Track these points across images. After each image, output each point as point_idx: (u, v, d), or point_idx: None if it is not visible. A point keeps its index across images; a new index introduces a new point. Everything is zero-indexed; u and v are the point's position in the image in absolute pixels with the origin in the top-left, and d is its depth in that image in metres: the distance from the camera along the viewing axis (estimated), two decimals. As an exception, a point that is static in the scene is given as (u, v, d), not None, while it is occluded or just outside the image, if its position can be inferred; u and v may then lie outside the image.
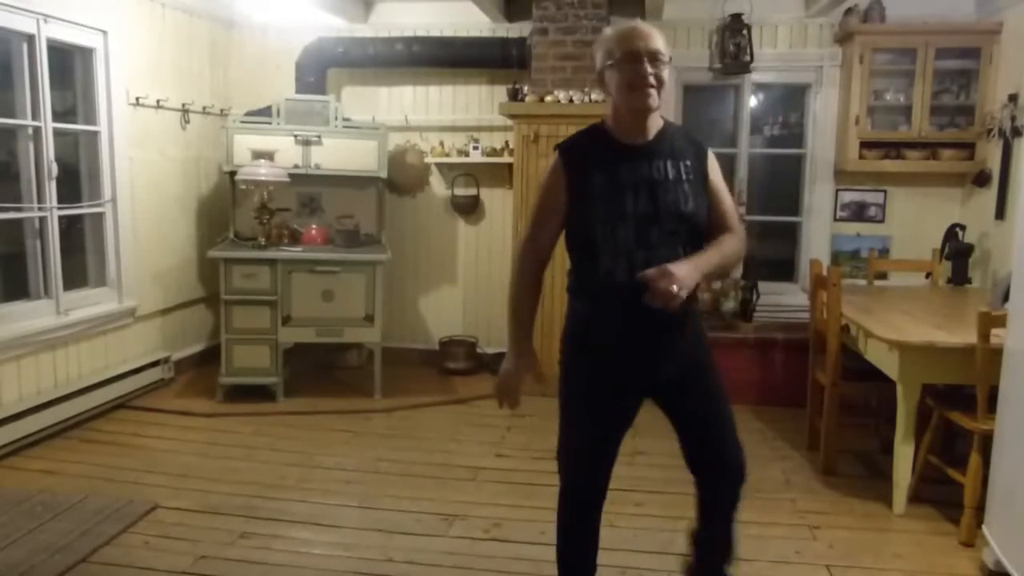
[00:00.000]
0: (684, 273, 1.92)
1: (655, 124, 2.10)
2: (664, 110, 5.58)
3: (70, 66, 4.23)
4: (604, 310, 2.08)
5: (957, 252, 4.55)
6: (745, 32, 4.86)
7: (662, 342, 2.08)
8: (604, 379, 2.11)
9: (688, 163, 2.08)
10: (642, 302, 1.94)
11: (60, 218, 4.03)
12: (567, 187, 2.08)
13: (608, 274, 2.03)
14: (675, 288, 1.88)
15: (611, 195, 2.04)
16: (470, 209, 5.38)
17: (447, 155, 5.28)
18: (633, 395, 2.16)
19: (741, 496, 2.26)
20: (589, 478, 2.20)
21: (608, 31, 2.11)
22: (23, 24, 3.75)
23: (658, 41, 2.01)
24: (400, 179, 5.32)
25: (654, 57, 1.99)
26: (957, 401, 3.12)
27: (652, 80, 1.99)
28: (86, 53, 4.23)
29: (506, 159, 5.11)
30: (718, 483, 2.25)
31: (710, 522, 2.31)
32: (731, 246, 2.11)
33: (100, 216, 4.36)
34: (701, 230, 2.09)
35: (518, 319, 2.17)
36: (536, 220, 2.15)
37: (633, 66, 1.99)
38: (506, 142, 5.16)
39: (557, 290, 4.32)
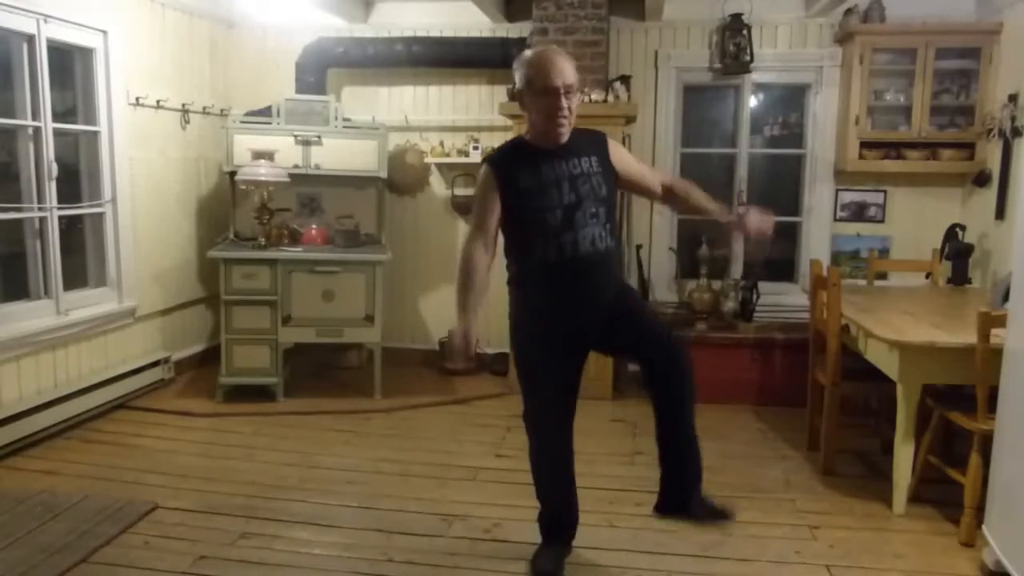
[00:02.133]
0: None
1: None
2: (664, 110, 5.51)
3: (70, 66, 4.23)
4: (541, 287, 2.48)
5: (957, 252, 4.54)
6: (745, 32, 4.86)
7: (590, 305, 2.46)
8: (546, 345, 2.49)
9: (594, 158, 2.49)
10: (570, 276, 2.40)
11: (60, 218, 4.03)
12: (499, 190, 2.45)
13: (542, 257, 2.43)
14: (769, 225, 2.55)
15: (538, 191, 2.42)
16: (470, 209, 5.35)
17: (447, 155, 5.27)
18: (573, 355, 2.55)
19: (693, 392, 2.46)
20: (551, 431, 2.58)
21: (527, 55, 2.45)
22: (23, 24, 3.75)
23: (571, 75, 2.37)
24: (400, 179, 5.32)
25: (569, 90, 2.36)
26: (957, 401, 3.12)
27: (567, 112, 2.38)
28: (86, 53, 4.23)
29: (506, 159, 5.11)
30: (664, 373, 2.46)
31: (671, 428, 2.48)
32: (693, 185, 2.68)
33: (100, 216, 4.36)
34: (613, 210, 2.54)
35: (466, 290, 2.47)
36: (478, 218, 2.53)
37: (550, 99, 2.36)
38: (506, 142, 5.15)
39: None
